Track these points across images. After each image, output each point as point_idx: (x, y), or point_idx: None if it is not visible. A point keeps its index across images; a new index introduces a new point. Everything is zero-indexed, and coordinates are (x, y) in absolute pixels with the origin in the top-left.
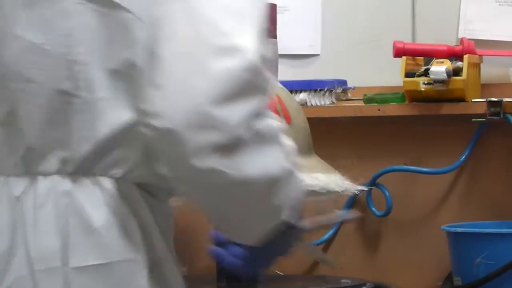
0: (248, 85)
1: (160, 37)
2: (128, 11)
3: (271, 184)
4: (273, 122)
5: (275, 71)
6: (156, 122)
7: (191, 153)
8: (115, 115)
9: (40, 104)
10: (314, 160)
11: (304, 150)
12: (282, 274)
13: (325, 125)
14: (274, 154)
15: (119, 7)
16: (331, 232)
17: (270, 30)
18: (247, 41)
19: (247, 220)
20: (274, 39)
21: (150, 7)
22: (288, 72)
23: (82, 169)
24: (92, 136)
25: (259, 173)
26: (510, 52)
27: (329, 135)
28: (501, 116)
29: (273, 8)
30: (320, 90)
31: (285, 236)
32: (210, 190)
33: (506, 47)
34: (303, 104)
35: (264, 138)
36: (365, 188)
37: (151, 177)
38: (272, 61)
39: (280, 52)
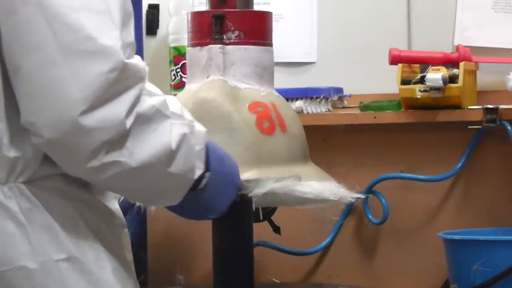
0: (120, 83)
1: (25, 45)
2: None
3: (169, 155)
4: (153, 99)
5: (272, 79)
6: (41, 132)
7: (83, 157)
8: None
9: None
10: (310, 168)
11: (300, 158)
12: (278, 281)
13: (321, 132)
14: (161, 128)
15: None
16: (328, 239)
17: (266, 38)
18: (111, 39)
19: (162, 191)
20: (270, 47)
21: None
22: (284, 80)
23: None
24: None
25: (153, 151)
26: (506, 59)
27: (325, 142)
28: (497, 123)
29: (268, 16)
30: (316, 97)
31: (211, 183)
32: (113, 179)
33: (502, 54)
34: (299, 112)
35: (147, 118)
36: (361, 196)
37: (48, 168)
38: (268, 67)
39: (276, 60)
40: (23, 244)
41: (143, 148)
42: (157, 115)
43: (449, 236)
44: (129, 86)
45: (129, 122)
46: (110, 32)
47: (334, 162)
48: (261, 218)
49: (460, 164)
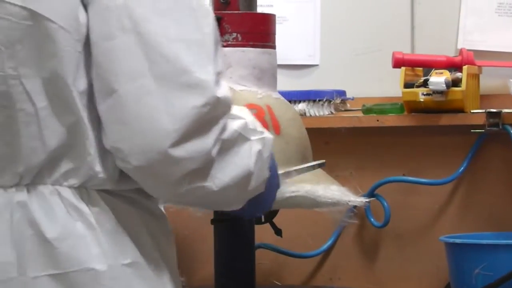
0: (212, 118)
1: (119, 72)
2: (51, 20)
3: (248, 176)
4: (235, 123)
5: (273, 81)
6: (128, 159)
7: (169, 185)
8: (59, 122)
9: None
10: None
11: (297, 160)
12: (280, 284)
13: (324, 135)
14: (242, 151)
15: (42, 17)
16: (329, 242)
17: (266, 40)
18: (205, 75)
19: (233, 203)
20: (271, 49)
21: (78, 18)
22: (287, 82)
23: (38, 180)
24: (43, 147)
25: (235, 174)
26: (509, 63)
27: (327, 145)
28: (500, 127)
29: (272, 19)
30: (319, 100)
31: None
32: (193, 201)
33: (505, 58)
34: (302, 115)
35: (230, 143)
36: (366, 200)
37: (125, 185)
38: (268, 69)
39: (279, 62)
40: (93, 246)
41: (225, 173)
42: (239, 138)
43: (451, 240)
44: (218, 118)
45: (215, 151)
46: (206, 66)
47: (337, 165)
48: (263, 220)
49: (462, 168)
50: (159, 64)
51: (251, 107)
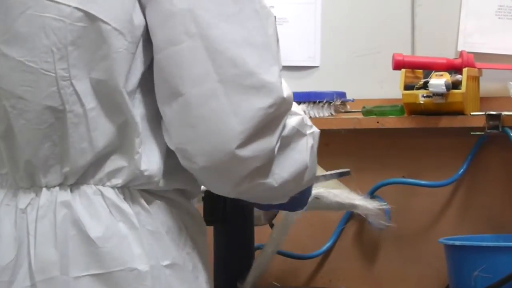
0: (277, 117)
1: (185, 76)
2: (105, 22)
3: (304, 171)
4: (293, 119)
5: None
6: (195, 159)
7: (233, 182)
8: (108, 123)
9: (31, 120)
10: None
11: None
12: (279, 285)
13: (324, 137)
14: (299, 147)
15: (96, 19)
16: (329, 243)
17: None
18: (271, 76)
19: (285, 197)
20: None
21: (132, 20)
22: (287, 83)
23: (83, 180)
24: (91, 148)
25: (293, 170)
26: (509, 66)
27: (327, 147)
28: (500, 129)
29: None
30: (319, 102)
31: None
32: (252, 195)
33: (505, 60)
34: None
35: (289, 140)
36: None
37: (167, 185)
38: None
39: None
40: (135, 246)
41: (284, 168)
42: (297, 135)
43: (450, 242)
44: (282, 116)
45: (276, 148)
46: (271, 67)
47: (336, 166)
48: (263, 222)
49: (462, 170)
50: (225, 68)
51: None
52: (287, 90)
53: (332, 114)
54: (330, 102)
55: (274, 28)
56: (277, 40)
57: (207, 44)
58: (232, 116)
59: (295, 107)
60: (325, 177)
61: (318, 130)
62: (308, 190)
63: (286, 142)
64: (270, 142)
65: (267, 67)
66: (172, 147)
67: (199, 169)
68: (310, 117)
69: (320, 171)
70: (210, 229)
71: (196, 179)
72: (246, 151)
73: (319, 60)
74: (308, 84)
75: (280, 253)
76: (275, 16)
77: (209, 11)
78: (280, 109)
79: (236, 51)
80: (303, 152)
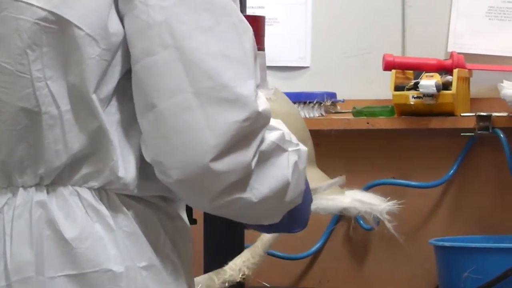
0: (252, 132)
1: (160, 87)
2: (78, 28)
3: (286, 187)
4: (273, 134)
5: (263, 83)
6: (169, 173)
7: (209, 197)
8: (82, 127)
9: (6, 121)
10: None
11: None
12: (269, 285)
13: (314, 137)
14: (279, 162)
15: (69, 24)
16: (319, 244)
17: (259, 42)
18: (246, 89)
19: (270, 215)
20: (262, 52)
21: (107, 27)
22: (277, 84)
23: (59, 181)
24: (65, 150)
25: (273, 185)
26: (499, 67)
27: (317, 147)
28: (490, 130)
29: (261, 21)
30: (309, 102)
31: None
32: (232, 213)
33: (495, 61)
34: None
35: (268, 154)
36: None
37: (145, 191)
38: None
39: (270, 64)
40: (111, 247)
41: (263, 184)
42: (276, 150)
43: (440, 243)
44: (258, 131)
45: (253, 162)
46: (246, 81)
47: (326, 167)
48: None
49: (452, 171)
50: (200, 80)
51: None
52: (263, 105)
53: (322, 115)
54: (321, 103)
55: (252, 42)
56: (255, 56)
57: (182, 56)
58: (206, 129)
59: (276, 123)
60: (324, 188)
61: (306, 149)
62: (304, 209)
63: (265, 156)
64: (245, 156)
65: (242, 80)
66: (148, 159)
67: (174, 183)
68: None
69: (323, 178)
70: (200, 229)
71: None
72: (221, 165)
73: (310, 60)
74: (299, 85)
75: (270, 253)
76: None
77: (186, 23)
78: (256, 124)
79: (211, 64)
80: (283, 167)
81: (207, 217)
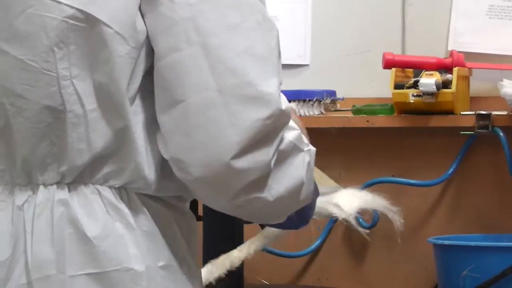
0: (274, 129)
1: (184, 84)
2: (107, 25)
3: (301, 187)
4: (291, 134)
5: None
6: (189, 170)
7: (229, 196)
8: (107, 126)
9: (30, 119)
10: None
11: None
12: (268, 283)
13: (313, 135)
14: (296, 162)
15: (98, 21)
16: (318, 242)
17: None
18: (270, 87)
19: (282, 214)
20: None
21: (135, 26)
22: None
23: (80, 179)
24: (89, 149)
25: (289, 185)
26: (499, 66)
27: (317, 145)
28: (490, 129)
29: None
30: (309, 100)
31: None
32: (248, 212)
33: (495, 60)
34: None
35: (286, 154)
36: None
37: (164, 192)
38: None
39: None
40: (131, 246)
41: (280, 183)
42: (294, 150)
43: (439, 242)
44: (279, 129)
45: (273, 161)
46: (271, 79)
47: (326, 165)
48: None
49: (451, 170)
50: (224, 77)
51: None
52: (285, 103)
53: (322, 113)
54: (320, 101)
55: (277, 40)
56: (279, 54)
57: (207, 53)
58: (229, 126)
59: (292, 122)
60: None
61: (315, 149)
62: (311, 206)
63: (283, 156)
64: (266, 154)
65: (266, 78)
66: (167, 157)
67: (194, 180)
68: (300, 115)
69: (325, 179)
70: (199, 226)
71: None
72: (242, 163)
73: (309, 58)
74: (298, 83)
75: (269, 251)
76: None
77: (211, 20)
78: (278, 122)
79: (236, 61)
80: (300, 167)
81: (206, 213)
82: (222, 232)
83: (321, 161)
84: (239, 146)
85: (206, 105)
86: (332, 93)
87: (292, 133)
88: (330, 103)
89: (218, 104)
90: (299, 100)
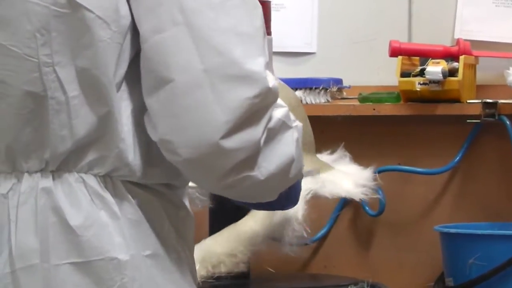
0: (262, 108)
1: (169, 65)
2: (89, 10)
3: (291, 164)
4: (279, 111)
5: (269, 68)
6: (178, 151)
7: (218, 176)
8: (90, 112)
9: (13, 105)
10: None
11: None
12: (274, 271)
13: (320, 123)
14: (285, 139)
15: (79, 6)
16: (324, 230)
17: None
18: (256, 66)
19: (272, 192)
20: (269, 36)
21: (118, 10)
22: (283, 69)
23: (64, 167)
24: (71, 136)
25: (279, 162)
26: (506, 54)
27: (323, 133)
28: (496, 117)
29: (267, 6)
30: (315, 88)
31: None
32: (239, 192)
33: (502, 48)
34: None
35: (275, 132)
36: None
37: (150, 179)
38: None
39: (276, 49)
40: (116, 235)
41: (270, 161)
42: (283, 127)
43: (445, 230)
44: (267, 107)
45: (262, 140)
46: (257, 58)
47: (332, 153)
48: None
49: (458, 158)
50: (210, 56)
51: None
52: (272, 81)
53: (328, 101)
54: (327, 89)
55: (261, 19)
56: (264, 32)
57: (192, 32)
58: (216, 106)
59: (279, 100)
60: (316, 171)
61: (302, 124)
62: (298, 186)
63: (272, 134)
64: (255, 133)
65: (252, 57)
66: (155, 139)
67: (183, 162)
68: (307, 103)
69: (316, 159)
70: (205, 215)
71: (180, 173)
72: (231, 142)
73: (316, 46)
74: (305, 71)
75: (275, 239)
76: (262, 8)
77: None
78: (266, 100)
79: (221, 40)
80: (289, 144)
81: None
82: (228, 222)
83: (327, 149)
84: (228, 125)
85: (192, 85)
86: (338, 81)
87: (280, 110)
88: (336, 91)
89: (204, 84)
90: (305, 88)
